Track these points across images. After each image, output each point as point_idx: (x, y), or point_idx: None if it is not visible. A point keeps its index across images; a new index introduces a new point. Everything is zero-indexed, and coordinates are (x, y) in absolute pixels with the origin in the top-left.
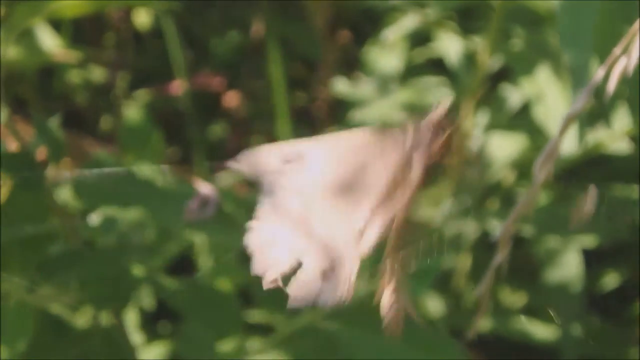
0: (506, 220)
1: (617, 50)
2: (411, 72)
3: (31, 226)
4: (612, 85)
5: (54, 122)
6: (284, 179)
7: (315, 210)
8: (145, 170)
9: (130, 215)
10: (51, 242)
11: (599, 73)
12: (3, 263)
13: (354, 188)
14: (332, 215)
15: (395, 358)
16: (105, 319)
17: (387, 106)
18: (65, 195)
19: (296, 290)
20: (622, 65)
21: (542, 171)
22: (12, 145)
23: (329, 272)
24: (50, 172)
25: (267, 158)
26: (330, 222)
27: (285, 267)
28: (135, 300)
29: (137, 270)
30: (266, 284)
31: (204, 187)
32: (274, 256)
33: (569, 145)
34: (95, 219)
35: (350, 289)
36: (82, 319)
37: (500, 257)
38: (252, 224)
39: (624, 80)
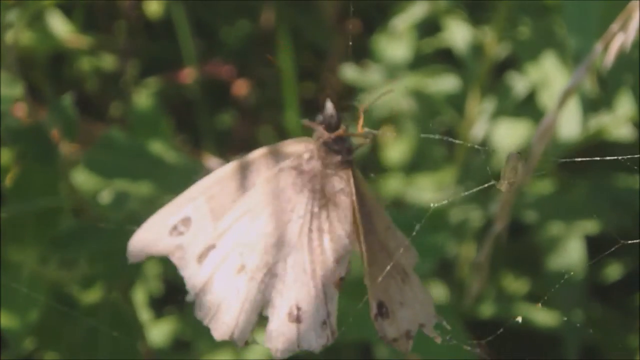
0: (504, 193)
1: (614, 26)
2: (420, 62)
3: (44, 200)
4: (609, 60)
5: (67, 100)
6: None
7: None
8: (155, 146)
9: (140, 189)
10: (63, 216)
11: (597, 49)
12: (17, 235)
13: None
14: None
15: None
16: (114, 295)
17: (395, 92)
18: (77, 175)
19: (273, 342)
20: (619, 41)
21: (539, 144)
22: (26, 121)
23: (297, 312)
24: (63, 147)
25: (153, 237)
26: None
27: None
28: (144, 277)
29: None
30: (240, 347)
31: (213, 162)
32: (228, 317)
33: (571, 128)
34: (106, 196)
35: (333, 324)
36: (91, 295)
37: (498, 227)
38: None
39: (627, 66)
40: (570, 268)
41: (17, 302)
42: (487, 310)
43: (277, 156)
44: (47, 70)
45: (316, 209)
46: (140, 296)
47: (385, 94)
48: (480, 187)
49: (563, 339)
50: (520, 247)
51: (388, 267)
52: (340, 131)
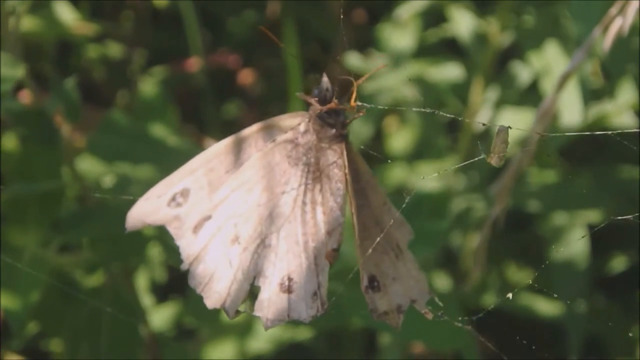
0: (504, 176)
1: (613, 10)
2: (424, 51)
3: (46, 182)
4: (608, 44)
5: (70, 83)
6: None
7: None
8: (157, 130)
9: (142, 173)
10: (65, 199)
11: (595, 32)
12: (19, 218)
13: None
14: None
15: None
16: (116, 280)
17: (398, 79)
18: (81, 160)
19: (264, 311)
20: (617, 25)
21: (538, 127)
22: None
23: (289, 283)
24: (65, 130)
25: (152, 207)
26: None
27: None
28: (147, 264)
29: (148, 229)
30: (232, 317)
31: None
32: (220, 286)
33: (573, 114)
34: (108, 180)
35: (323, 295)
36: (93, 279)
37: (497, 211)
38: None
39: (628, 54)
40: (574, 258)
41: (18, 283)
42: (489, 300)
43: (273, 130)
44: (53, 59)
45: (310, 182)
46: (142, 282)
47: (380, 68)
48: (470, 161)
49: (566, 330)
50: (523, 238)
51: (378, 239)
52: (332, 104)
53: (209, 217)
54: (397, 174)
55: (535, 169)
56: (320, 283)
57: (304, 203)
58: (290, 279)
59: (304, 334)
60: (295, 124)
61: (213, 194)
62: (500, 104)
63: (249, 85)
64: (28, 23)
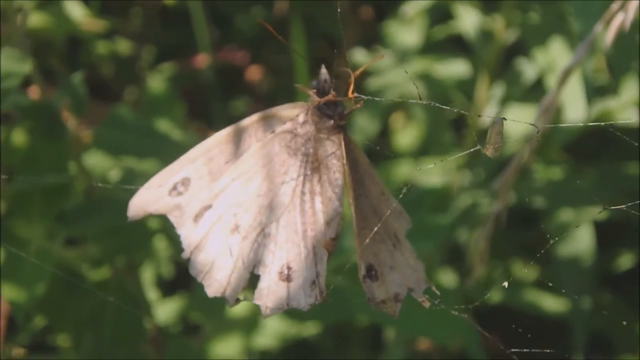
0: (505, 171)
1: (614, 6)
2: (430, 48)
3: (52, 176)
4: (609, 40)
5: (77, 78)
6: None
7: (247, 213)
8: (162, 124)
9: (147, 166)
10: (71, 193)
11: (597, 27)
12: (24, 210)
13: (272, 182)
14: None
15: (400, 321)
16: (121, 273)
17: (404, 76)
18: (88, 154)
19: (263, 299)
20: (619, 21)
21: (540, 122)
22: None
23: (288, 272)
24: (71, 124)
25: (153, 196)
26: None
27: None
28: (153, 258)
29: (152, 223)
30: (232, 305)
31: None
32: (221, 275)
33: (576, 110)
34: (114, 174)
35: (321, 284)
36: (98, 273)
37: (499, 206)
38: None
39: (632, 51)
40: (580, 254)
41: (24, 276)
42: (494, 296)
43: (273, 120)
44: (63, 55)
45: (309, 172)
46: (148, 276)
47: (379, 58)
48: (467, 152)
49: (571, 326)
50: (529, 234)
51: (376, 229)
52: (330, 96)
53: (209, 206)
54: (403, 170)
55: (540, 165)
56: (319, 272)
57: (302, 193)
58: (289, 268)
59: (309, 331)
60: (294, 114)
61: (213, 183)
62: (505, 100)
63: (257, 81)
64: (38, 19)
